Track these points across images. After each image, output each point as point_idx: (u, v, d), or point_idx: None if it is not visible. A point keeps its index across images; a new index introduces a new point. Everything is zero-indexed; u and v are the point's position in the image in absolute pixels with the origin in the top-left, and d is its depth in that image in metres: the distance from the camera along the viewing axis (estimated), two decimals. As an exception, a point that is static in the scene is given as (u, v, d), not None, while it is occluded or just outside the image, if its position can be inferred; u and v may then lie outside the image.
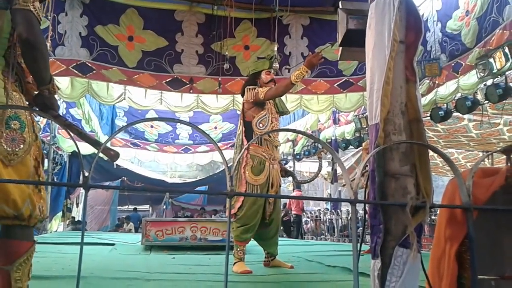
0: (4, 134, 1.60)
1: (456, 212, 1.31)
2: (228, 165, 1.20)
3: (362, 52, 1.54)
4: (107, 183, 15.76)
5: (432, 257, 1.39)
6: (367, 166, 1.39)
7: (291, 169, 14.53)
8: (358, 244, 1.37)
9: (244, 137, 4.03)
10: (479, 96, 6.23)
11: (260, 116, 4.02)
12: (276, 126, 4.09)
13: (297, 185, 11.59)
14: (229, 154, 12.90)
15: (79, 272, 0.98)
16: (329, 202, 13.41)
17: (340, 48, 1.83)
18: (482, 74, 5.47)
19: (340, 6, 1.72)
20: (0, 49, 1.66)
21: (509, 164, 1.33)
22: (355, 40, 1.70)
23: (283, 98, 4.58)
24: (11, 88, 1.64)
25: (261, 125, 3.99)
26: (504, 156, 1.39)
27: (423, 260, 1.29)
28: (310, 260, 4.96)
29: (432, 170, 4.05)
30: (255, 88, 4.03)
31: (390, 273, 1.22)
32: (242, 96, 4.25)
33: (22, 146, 1.64)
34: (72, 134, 1.55)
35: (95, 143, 1.85)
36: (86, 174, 1.13)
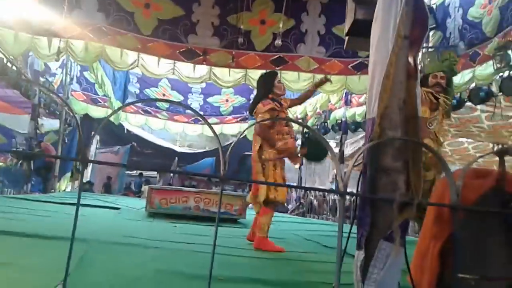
0: None
1: (444, 210, 1.33)
2: (229, 146, 1.22)
3: (368, 43, 1.53)
4: (116, 148, 15.96)
5: (416, 252, 1.41)
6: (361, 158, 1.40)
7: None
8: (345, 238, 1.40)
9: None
10: (494, 88, 6.13)
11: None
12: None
13: None
14: (238, 128, 12.99)
15: (73, 235, 1.01)
16: (334, 182, 13.46)
17: (347, 37, 1.82)
18: (498, 66, 5.37)
19: (350, -5, 1.71)
20: None
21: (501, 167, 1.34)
22: (362, 30, 1.69)
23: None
24: None
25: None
26: None
27: (407, 255, 1.32)
28: (308, 239, 5.04)
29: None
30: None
31: (372, 265, 1.25)
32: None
33: None
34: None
35: None
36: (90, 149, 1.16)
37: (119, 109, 1.20)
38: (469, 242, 1.28)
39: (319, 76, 7.43)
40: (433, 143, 3.74)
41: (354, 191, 1.41)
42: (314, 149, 4.09)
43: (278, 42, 6.61)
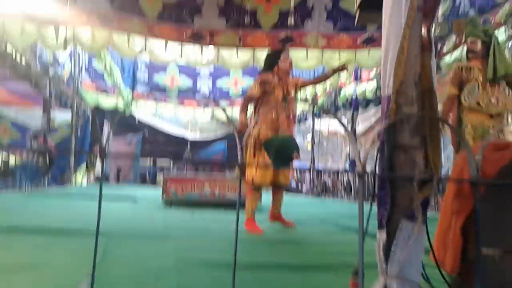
0: None
1: (464, 185, 1.30)
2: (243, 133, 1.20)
3: (380, 16, 1.49)
4: (129, 137, 16.06)
5: (438, 229, 1.40)
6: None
7: (311, 127, 14.48)
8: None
9: None
10: (507, 54, 5.99)
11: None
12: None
13: None
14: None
15: (97, 229, 1.01)
16: (347, 162, 13.41)
17: (358, 11, 1.77)
18: (511, 32, 5.26)
19: (359, -32, 1.65)
20: None
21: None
22: (374, 4, 1.63)
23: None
24: None
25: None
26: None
27: (429, 232, 1.30)
28: (326, 221, 5.04)
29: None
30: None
31: (395, 244, 1.23)
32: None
33: None
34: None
35: None
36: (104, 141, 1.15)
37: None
38: (491, 216, 1.25)
39: (327, 53, 7.37)
40: (469, 115, 3.61)
41: (370, 169, 1.39)
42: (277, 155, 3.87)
43: (291, 22, 6.51)
